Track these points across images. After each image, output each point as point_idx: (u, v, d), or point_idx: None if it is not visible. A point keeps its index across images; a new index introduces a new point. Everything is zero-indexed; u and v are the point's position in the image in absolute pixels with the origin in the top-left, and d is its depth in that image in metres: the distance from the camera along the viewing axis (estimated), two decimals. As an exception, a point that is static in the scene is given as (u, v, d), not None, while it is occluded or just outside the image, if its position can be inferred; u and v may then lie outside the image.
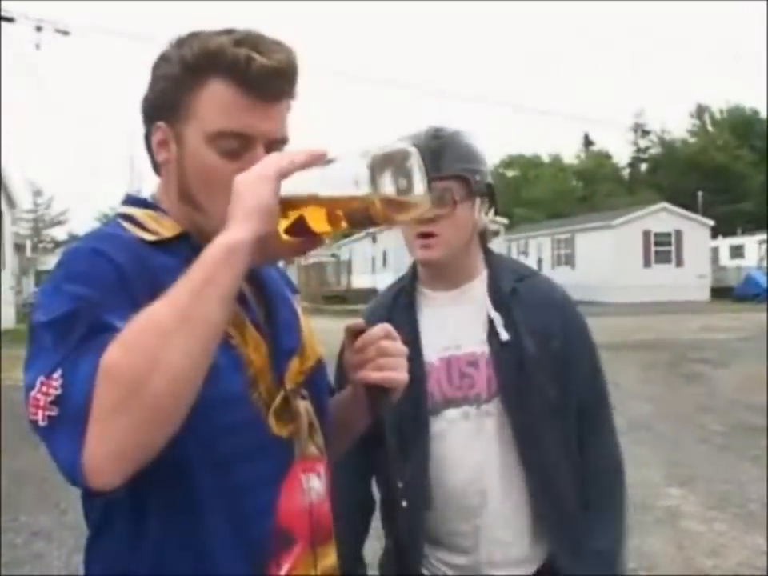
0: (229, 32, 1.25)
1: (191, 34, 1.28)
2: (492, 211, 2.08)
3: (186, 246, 1.26)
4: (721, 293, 35.06)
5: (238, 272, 1.08)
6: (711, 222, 36.87)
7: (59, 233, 74.74)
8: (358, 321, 1.40)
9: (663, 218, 35.24)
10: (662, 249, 34.98)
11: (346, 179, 1.10)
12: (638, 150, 74.94)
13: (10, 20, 19.28)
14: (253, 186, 1.10)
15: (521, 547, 1.96)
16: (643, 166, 74.76)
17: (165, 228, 1.28)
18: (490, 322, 1.98)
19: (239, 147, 1.23)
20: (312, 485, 1.31)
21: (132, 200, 1.36)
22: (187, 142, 1.25)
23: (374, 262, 38.34)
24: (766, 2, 54.86)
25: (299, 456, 1.30)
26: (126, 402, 0.99)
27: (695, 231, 35.41)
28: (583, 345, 2.07)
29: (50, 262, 52.48)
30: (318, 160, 1.13)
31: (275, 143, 1.26)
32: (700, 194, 52.56)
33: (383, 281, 35.04)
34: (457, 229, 1.97)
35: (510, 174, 77.75)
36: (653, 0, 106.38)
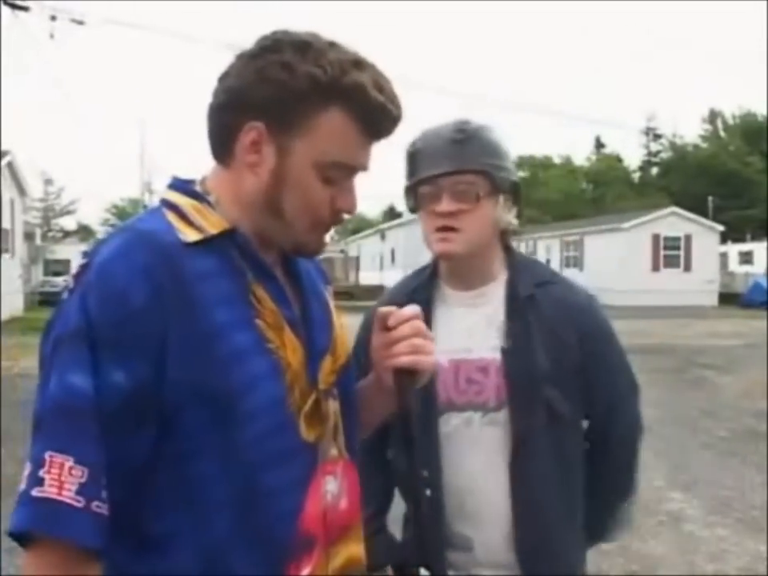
0: (358, 63, 1.24)
1: (313, 47, 1.23)
2: (515, 210, 2.00)
3: (230, 244, 1.25)
4: (728, 299, 34.92)
5: None
6: (721, 228, 36.77)
7: (69, 222, 75.13)
8: (390, 308, 1.38)
9: (673, 222, 35.15)
10: (670, 253, 34.90)
11: None
12: (649, 154, 74.73)
13: (24, 9, 19.31)
14: None
15: (512, 551, 1.92)
16: (654, 170, 74.53)
17: (210, 223, 1.26)
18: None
19: (341, 177, 1.28)
20: (328, 488, 1.30)
21: (179, 185, 1.32)
22: (293, 158, 1.25)
23: (383, 260, 38.34)
24: (766, 3, 54.73)
25: (321, 459, 1.30)
26: None
27: (704, 236, 35.31)
28: (603, 354, 1.99)
29: (59, 250, 52.53)
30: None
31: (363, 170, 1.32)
32: (710, 199, 52.40)
33: (391, 278, 35.08)
34: (479, 225, 1.90)
35: (520, 174, 77.54)
36: (669, 1, 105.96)
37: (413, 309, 1.37)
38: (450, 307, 2.01)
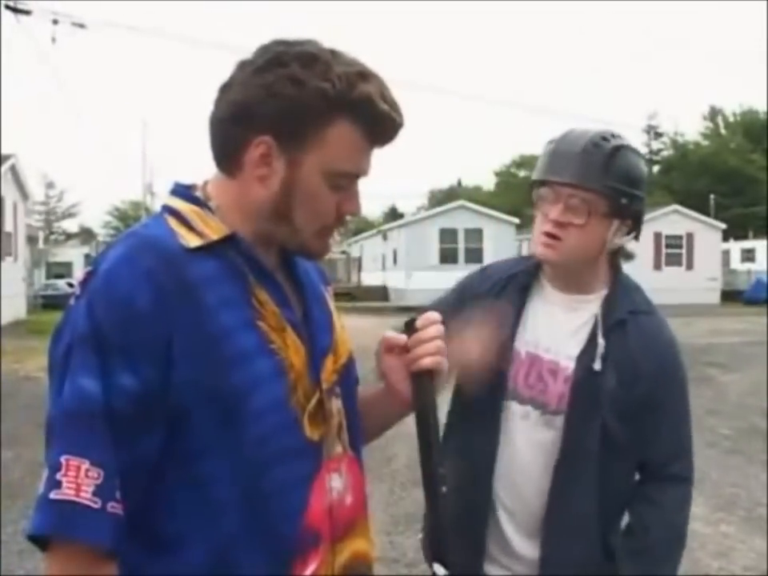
0: (363, 75, 1.26)
1: (319, 60, 1.25)
2: (632, 236, 1.99)
3: (231, 249, 1.27)
4: (731, 296, 34.94)
5: None
6: (723, 225, 36.74)
7: (71, 225, 75.20)
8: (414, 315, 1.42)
9: (675, 220, 35.11)
10: (673, 251, 34.87)
11: None
12: (651, 152, 74.61)
13: (26, 13, 19.33)
14: None
15: (527, 548, 1.97)
16: (655, 168, 74.45)
17: (211, 229, 1.28)
18: (587, 342, 1.94)
19: (346, 183, 1.31)
20: (334, 484, 1.33)
21: (180, 191, 1.35)
22: (303, 170, 1.27)
23: (385, 260, 38.34)
24: (766, 2, 54.86)
25: (326, 457, 1.32)
26: None
27: (707, 234, 35.29)
28: (672, 398, 2.01)
29: (61, 253, 52.59)
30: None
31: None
32: (712, 196, 52.36)
33: (393, 279, 35.11)
34: (583, 242, 1.91)
35: (522, 173, 77.65)
36: (669, 1, 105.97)
37: (437, 315, 1.40)
38: (544, 303, 2.03)
